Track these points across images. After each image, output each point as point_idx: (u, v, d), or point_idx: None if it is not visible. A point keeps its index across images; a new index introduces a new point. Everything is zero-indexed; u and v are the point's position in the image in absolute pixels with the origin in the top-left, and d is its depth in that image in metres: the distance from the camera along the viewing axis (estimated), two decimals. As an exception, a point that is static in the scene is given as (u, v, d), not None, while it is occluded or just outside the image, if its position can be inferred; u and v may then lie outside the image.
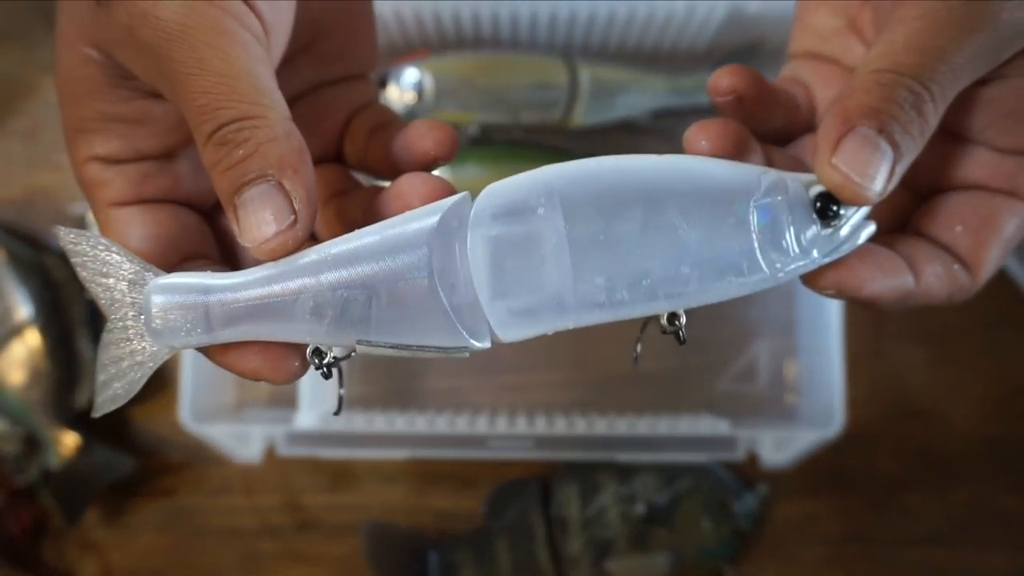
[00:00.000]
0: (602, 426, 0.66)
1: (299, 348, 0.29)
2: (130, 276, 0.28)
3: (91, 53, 0.29)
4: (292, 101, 0.29)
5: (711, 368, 0.71)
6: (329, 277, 0.27)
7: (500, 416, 0.67)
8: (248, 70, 0.27)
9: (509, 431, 0.64)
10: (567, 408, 0.70)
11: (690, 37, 0.70)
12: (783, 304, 0.71)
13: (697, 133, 0.30)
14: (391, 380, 0.71)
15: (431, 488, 0.71)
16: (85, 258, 0.28)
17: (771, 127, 0.34)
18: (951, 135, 0.32)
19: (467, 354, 0.28)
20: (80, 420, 0.68)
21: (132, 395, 0.29)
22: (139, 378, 0.29)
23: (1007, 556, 0.70)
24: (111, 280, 0.28)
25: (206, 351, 0.29)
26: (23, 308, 0.67)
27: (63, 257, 0.70)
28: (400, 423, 0.65)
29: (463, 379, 0.71)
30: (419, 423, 0.65)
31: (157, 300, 0.28)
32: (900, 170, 0.28)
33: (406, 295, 0.27)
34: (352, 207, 0.34)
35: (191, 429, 0.64)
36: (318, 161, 0.34)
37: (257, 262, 0.28)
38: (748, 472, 0.69)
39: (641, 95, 0.70)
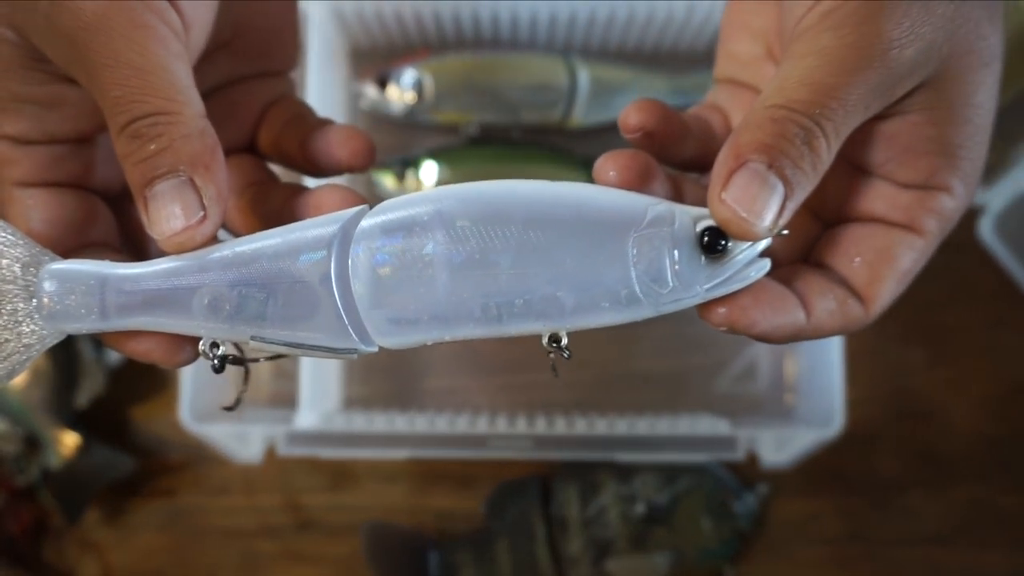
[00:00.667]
0: (602, 426, 0.66)
1: (193, 338, 0.30)
2: (24, 258, 0.28)
3: (7, 33, 0.29)
4: (208, 94, 0.30)
5: (711, 368, 0.71)
6: (229, 275, 0.28)
7: (500, 416, 0.67)
8: (164, 66, 0.27)
9: (509, 431, 0.64)
10: (567, 408, 0.70)
11: (690, 37, 0.70)
12: (783, 304, 0.71)
13: (605, 163, 0.31)
14: (391, 380, 0.71)
15: (431, 488, 0.71)
16: None
17: (684, 157, 0.34)
18: (855, 167, 0.32)
19: (355, 356, 0.29)
20: (80, 420, 0.68)
21: (14, 378, 0.29)
22: (24, 360, 0.29)
23: (1007, 555, 0.70)
24: (3, 261, 0.28)
25: (98, 333, 0.29)
26: (23, 308, 0.67)
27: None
28: (400, 423, 0.65)
29: (463, 379, 0.71)
30: (419, 423, 0.65)
31: (51, 285, 0.28)
32: (792, 205, 0.28)
33: (302, 297, 0.28)
34: (269, 201, 0.35)
35: (191, 429, 0.64)
36: (232, 151, 0.34)
37: (162, 254, 0.29)
38: (748, 472, 0.69)
39: (641, 95, 0.70)
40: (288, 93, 0.38)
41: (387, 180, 0.68)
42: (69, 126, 0.31)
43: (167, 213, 0.27)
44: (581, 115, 0.69)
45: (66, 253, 0.30)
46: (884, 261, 0.31)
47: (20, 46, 0.29)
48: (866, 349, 0.70)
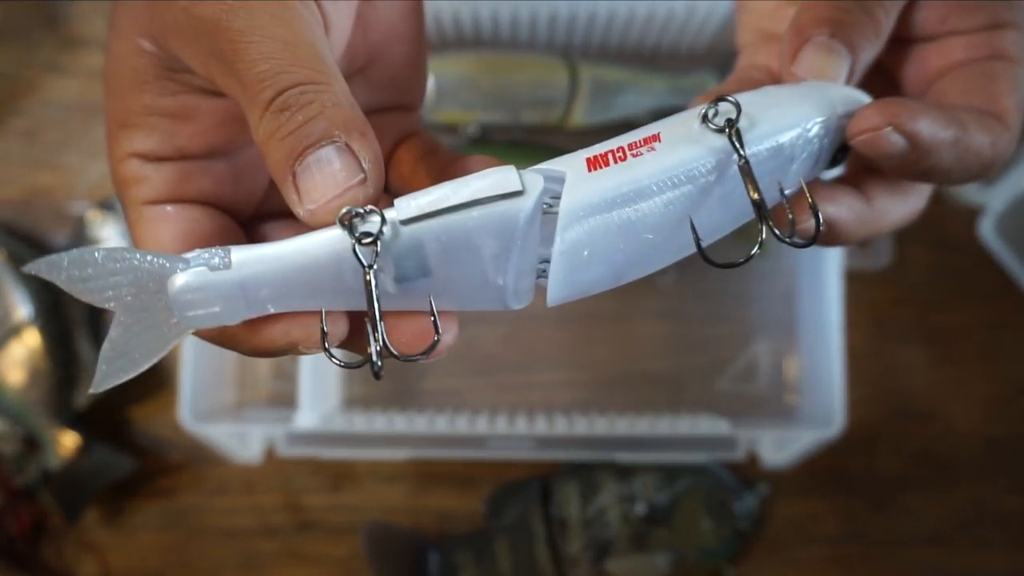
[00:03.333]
0: (602, 426, 0.66)
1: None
2: (151, 279, 0.25)
3: (144, 44, 0.28)
4: None
5: (711, 368, 0.71)
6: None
7: (500, 416, 0.67)
8: (311, 41, 0.26)
9: (509, 431, 0.64)
10: (567, 408, 0.70)
11: (690, 37, 0.70)
12: (783, 304, 0.71)
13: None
14: (391, 380, 0.71)
15: (431, 488, 0.71)
16: (89, 278, 0.25)
17: None
18: (923, 39, 0.33)
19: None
20: (80, 420, 0.68)
21: (136, 374, 0.27)
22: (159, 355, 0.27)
23: (1007, 556, 0.70)
24: (132, 288, 0.26)
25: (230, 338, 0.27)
26: (22, 308, 0.67)
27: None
28: (400, 423, 0.65)
29: (463, 379, 0.71)
30: (419, 423, 0.65)
31: (184, 294, 0.25)
32: (860, 68, 0.29)
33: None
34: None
35: (191, 429, 0.64)
36: None
37: None
38: (748, 472, 0.69)
39: (641, 95, 0.70)
40: (420, 129, 0.36)
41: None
42: (200, 140, 0.30)
43: (322, 178, 0.24)
44: (581, 115, 0.69)
45: None
46: (993, 81, 0.31)
47: (156, 56, 0.28)
48: (866, 349, 0.70)
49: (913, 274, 0.71)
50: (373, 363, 0.26)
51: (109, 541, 0.70)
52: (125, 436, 0.71)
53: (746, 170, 0.27)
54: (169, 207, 0.29)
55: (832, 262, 0.65)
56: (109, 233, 0.70)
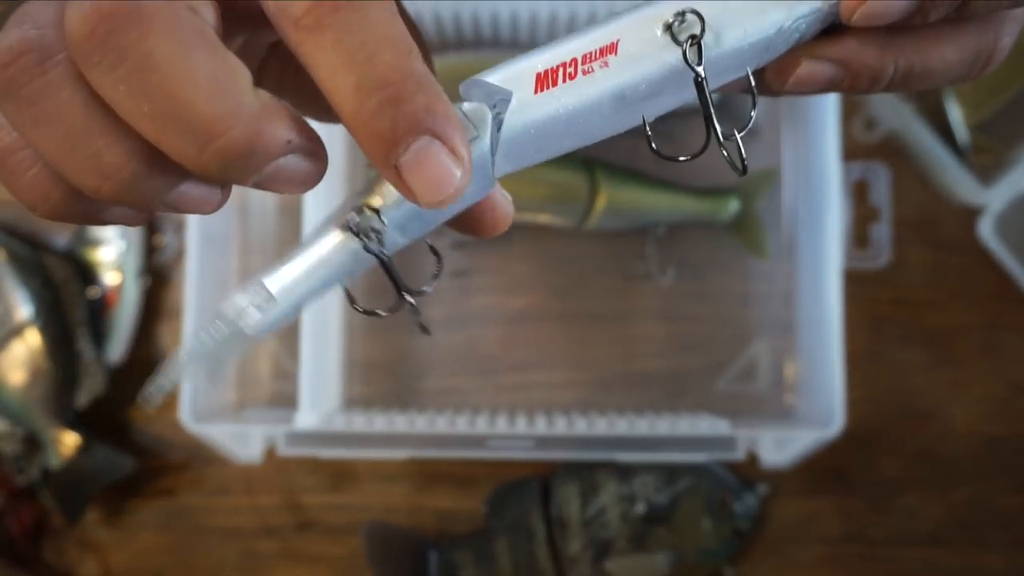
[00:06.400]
0: (602, 426, 0.66)
1: None
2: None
3: None
4: None
5: (711, 368, 0.71)
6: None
7: (500, 416, 0.67)
8: None
9: (509, 431, 0.64)
10: (567, 408, 0.70)
11: (690, 37, 0.70)
12: (783, 304, 0.71)
13: None
14: (391, 380, 0.71)
15: (431, 488, 0.71)
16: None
17: None
18: None
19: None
20: (80, 420, 0.68)
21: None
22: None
23: (1006, 556, 0.70)
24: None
25: None
26: (23, 308, 0.67)
27: (63, 257, 0.70)
28: (400, 423, 0.65)
29: (463, 379, 0.71)
30: (419, 423, 0.65)
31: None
32: None
33: None
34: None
35: (191, 429, 0.64)
36: None
37: None
38: (748, 472, 0.69)
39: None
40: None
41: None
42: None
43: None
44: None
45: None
46: None
47: None
48: (866, 349, 0.70)
49: (912, 274, 0.71)
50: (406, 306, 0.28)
51: (110, 541, 0.70)
52: (126, 436, 0.71)
53: (702, 90, 0.26)
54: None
55: (832, 263, 0.65)
56: (111, 234, 0.70)
